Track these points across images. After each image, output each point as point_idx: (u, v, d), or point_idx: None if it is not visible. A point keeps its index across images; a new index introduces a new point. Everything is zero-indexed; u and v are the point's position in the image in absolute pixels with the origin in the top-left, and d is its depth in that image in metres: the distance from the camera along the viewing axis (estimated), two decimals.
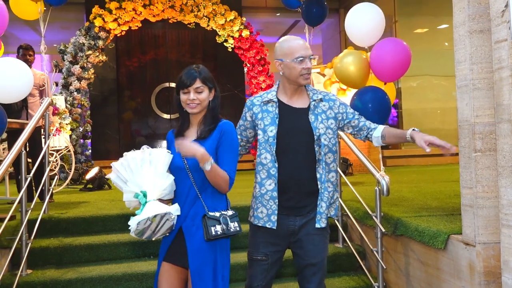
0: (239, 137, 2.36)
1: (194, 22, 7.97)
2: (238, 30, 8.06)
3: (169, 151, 2.12)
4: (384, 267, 3.02)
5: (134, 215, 2.00)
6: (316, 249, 2.23)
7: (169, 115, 9.76)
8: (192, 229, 2.05)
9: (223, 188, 2.08)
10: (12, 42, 9.00)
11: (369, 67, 3.90)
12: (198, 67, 2.13)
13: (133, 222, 1.96)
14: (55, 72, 7.07)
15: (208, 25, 7.99)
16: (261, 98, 2.32)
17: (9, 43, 8.70)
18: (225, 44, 8.28)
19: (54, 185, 4.53)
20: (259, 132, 2.25)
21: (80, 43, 7.24)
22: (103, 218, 3.84)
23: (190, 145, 1.97)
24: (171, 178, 2.06)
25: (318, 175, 2.22)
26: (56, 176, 5.18)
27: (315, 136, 2.21)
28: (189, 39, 9.47)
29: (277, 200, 2.20)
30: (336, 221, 3.63)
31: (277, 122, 2.23)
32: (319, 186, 2.22)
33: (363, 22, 3.98)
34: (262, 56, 8.29)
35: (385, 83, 3.96)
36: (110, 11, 7.38)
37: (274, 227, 2.20)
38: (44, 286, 3.11)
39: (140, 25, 7.74)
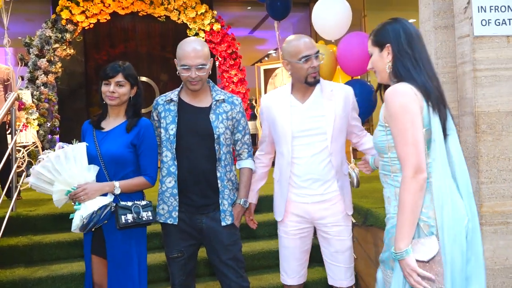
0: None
1: (164, 15, 7.87)
2: (209, 24, 8.01)
3: (86, 143, 2.19)
4: (355, 257, 3.10)
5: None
6: (226, 246, 2.29)
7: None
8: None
9: (144, 189, 2.27)
10: None
11: (336, 61, 3.95)
12: (123, 63, 2.24)
13: (77, 218, 2.05)
14: (21, 65, 6.85)
15: (178, 18, 7.91)
16: (165, 97, 2.36)
17: None
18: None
19: (22, 182, 4.41)
20: (162, 130, 2.30)
21: (46, 36, 7.04)
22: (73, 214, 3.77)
23: (94, 187, 2.09)
24: (96, 168, 2.14)
25: (218, 174, 2.28)
26: (24, 173, 5.04)
27: (215, 135, 2.26)
28: (159, 32, 9.33)
29: (177, 197, 2.26)
30: None
31: (176, 121, 2.27)
32: (219, 185, 2.28)
33: (330, 16, 4.03)
34: (234, 50, 8.27)
35: (352, 77, 4.02)
36: (77, 3, 7.19)
37: (176, 223, 2.26)
38: (14, 285, 3.05)
39: (109, 17, 7.58)
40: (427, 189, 1.61)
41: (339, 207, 2.31)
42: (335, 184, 2.30)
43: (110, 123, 2.27)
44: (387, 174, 1.75)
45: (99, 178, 2.15)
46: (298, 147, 2.29)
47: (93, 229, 2.13)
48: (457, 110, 2.37)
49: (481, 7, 2.13)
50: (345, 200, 2.32)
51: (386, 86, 1.80)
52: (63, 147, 2.11)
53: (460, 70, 2.22)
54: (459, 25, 2.21)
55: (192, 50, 2.20)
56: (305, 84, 2.28)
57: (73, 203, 2.10)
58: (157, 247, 3.49)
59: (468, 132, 2.17)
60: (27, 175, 5.94)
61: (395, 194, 1.70)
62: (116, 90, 2.19)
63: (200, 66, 2.21)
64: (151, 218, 2.19)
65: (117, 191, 2.14)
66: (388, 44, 1.73)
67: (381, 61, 1.76)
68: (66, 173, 2.06)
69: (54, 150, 2.10)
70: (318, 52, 2.26)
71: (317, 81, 2.29)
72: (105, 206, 2.07)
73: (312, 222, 2.35)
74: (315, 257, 2.77)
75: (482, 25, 2.12)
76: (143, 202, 2.20)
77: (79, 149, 2.11)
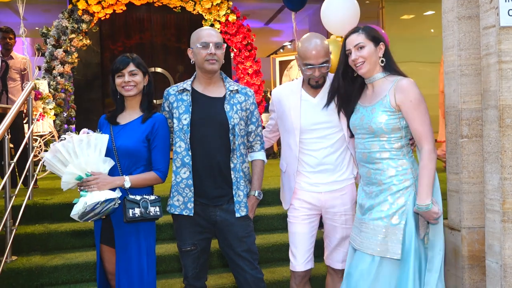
0: None
1: (180, 5, 7.84)
2: (224, 15, 7.96)
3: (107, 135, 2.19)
4: None
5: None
6: (240, 238, 2.27)
7: (155, 100, 9.66)
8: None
9: (154, 184, 2.27)
10: None
11: None
12: (131, 55, 2.27)
13: (80, 204, 2.03)
14: (38, 56, 6.91)
15: (194, 9, 7.88)
16: (177, 87, 2.35)
17: None
18: None
19: (39, 171, 4.46)
20: (174, 121, 2.29)
21: (63, 27, 7.08)
22: None
23: (106, 180, 2.09)
24: (112, 162, 2.15)
25: (232, 165, 2.26)
26: (40, 162, 5.09)
27: (230, 126, 2.24)
28: (174, 23, 9.32)
29: (192, 188, 2.24)
30: None
31: (190, 110, 2.25)
32: (233, 176, 2.26)
33: (337, 13, 4.21)
34: (249, 41, 8.21)
35: None
36: None
37: (191, 214, 2.24)
38: (30, 272, 3.08)
39: (125, 8, 7.58)
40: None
41: (349, 196, 2.43)
42: (349, 171, 2.42)
43: (126, 117, 2.28)
44: (387, 150, 2.10)
45: (112, 171, 2.16)
46: (311, 140, 2.37)
47: (89, 221, 2.11)
48: (480, 103, 2.30)
49: None
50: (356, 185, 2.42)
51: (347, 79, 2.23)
52: (88, 133, 2.11)
53: (484, 62, 2.14)
54: (484, 15, 2.13)
55: (209, 31, 2.29)
56: (309, 85, 2.39)
57: (79, 190, 2.09)
58: (170, 237, 3.50)
59: (492, 126, 2.11)
60: (43, 164, 5.99)
61: (399, 165, 2.10)
62: (131, 79, 2.22)
63: (217, 44, 2.25)
64: (158, 213, 2.18)
65: (127, 185, 2.14)
66: (382, 42, 2.13)
67: (375, 55, 2.12)
68: (83, 158, 2.06)
69: (78, 134, 2.11)
70: (324, 63, 2.30)
71: (320, 85, 2.37)
72: (110, 200, 2.06)
73: (320, 210, 2.44)
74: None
75: (509, 15, 2.04)
76: (152, 197, 2.20)
77: (102, 139, 2.12)
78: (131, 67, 2.23)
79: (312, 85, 2.36)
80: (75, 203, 2.06)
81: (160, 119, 2.26)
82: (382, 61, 2.14)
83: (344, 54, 2.21)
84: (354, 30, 2.20)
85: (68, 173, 2.05)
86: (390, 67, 2.15)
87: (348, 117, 2.28)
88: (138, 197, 2.14)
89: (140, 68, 2.25)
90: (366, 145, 2.16)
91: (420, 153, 2.08)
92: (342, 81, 2.25)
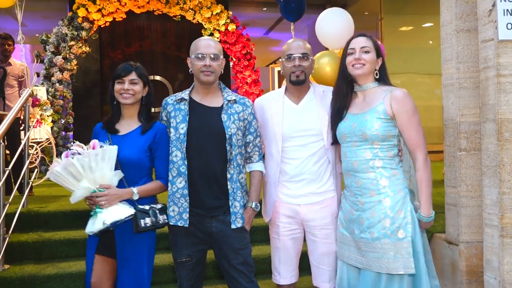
0: None
1: (180, 14, 7.86)
2: (224, 24, 7.98)
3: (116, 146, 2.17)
4: None
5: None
6: (236, 250, 2.24)
7: (152, 109, 9.64)
8: None
9: (159, 192, 2.27)
10: None
11: None
12: (135, 63, 2.26)
13: (99, 223, 2.02)
14: (37, 62, 6.90)
15: (194, 18, 7.90)
16: (175, 97, 2.34)
17: None
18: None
19: (34, 178, 4.42)
20: (171, 130, 2.27)
21: (62, 34, 7.08)
22: (84, 212, 3.73)
23: (114, 194, 2.07)
24: (121, 174, 2.13)
25: (228, 175, 2.24)
26: (36, 169, 5.07)
27: (226, 135, 2.22)
28: (174, 32, 9.34)
29: (188, 198, 2.22)
30: None
31: (187, 120, 2.23)
32: (229, 186, 2.24)
33: (331, 28, 4.23)
34: (248, 51, 8.23)
35: None
36: (94, 1, 7.23)
37: (186, 225, 2.21)
38: (22, 282, 3.04)
39: (125, 16, 7.60)
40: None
41: (329, 210, 2.33)
42: (330, 183, 2.34)
43: (125, 127, 2.27)
44: (381, 159, 2.10)
45: (118, 183, 2.14)
46: (291, 148, 2.33)
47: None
48: (478, 117, 2.29)
49: (507, 10, 2.05)
50: (337, 199, 2.35)
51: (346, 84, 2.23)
52: (101, 146, 2.08)
53: (483, 75, 2.14)
54: (483, 28, 2.13)
55: (207, 42, 2.27)
56: (290, 83, 2.35)
57: (87, 202, 2.07)
58: (165, 247, 3.45)
59: (490, 139, 2.09)
60: (40, 171, 5.95)
61: (392, 175, 2.09)
62: (130, 87, 2.21)
63: (214, 56, 2.23)
64: (166, 221, 2.19)
65: (135, 197, 2.13)
66: (381, 57, 2.19)
67: (374, 64, 2.17)
68: (98, 173, 2.05)
69: (86, 146, 2.09)
70: (304, 55, 2.32)
71: (300, 81, 2.33)
72: (129, 216, 2.06)
73: (302, 224, 2.37)
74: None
75: (508, 28, 2.04)
76: (159, 205, 2.20)
77: (113, 151, 2.10)
78: (133, 75, 2.22)
79: (293, 80, 2.32)
80: (91, 219, 2.04)
81: (161, 128, 2.25)
82: (376, 74, 2.18)
83: (345, 55, 2.20)
84: (364, 34, 2.22)
85: (83, 188, 2.03)
86: (383, 80, 2.20)
87: (334, 125, 2.24)
88: (147, 207, 2.14)
89: (141, 78, 2.25)
90: (358, 153, 2.13)
91: (415, 162, 2.10)
92: (345, 82, 2.23)
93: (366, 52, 2.14)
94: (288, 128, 2.32)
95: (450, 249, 2.45)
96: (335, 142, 2.26)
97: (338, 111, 2.22)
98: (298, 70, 2.31)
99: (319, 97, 2.36)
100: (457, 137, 2.37)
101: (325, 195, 2.33)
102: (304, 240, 2.42)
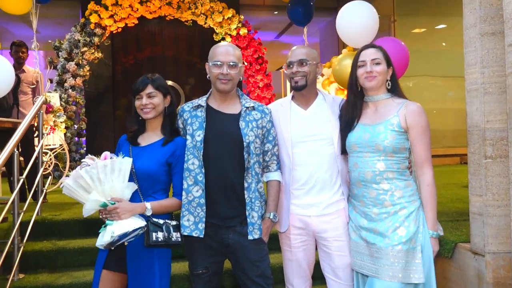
0: None
1: (191, 19, 7.85)
2: (236, 28, 7.96)
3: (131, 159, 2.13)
4: None
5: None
6: (253, 262, 2.18)
7: None
8: None
9: (175, 210, 2.20)
10: (6, 37, 8.84)
11: None
12: (153, 75, 2.21)
13: (108, 235, 1.96)
14: (50, 68, 6.93)
15: (205, 23, 7.88)
16: (192, 104, 2.28)
17: (3, 38, 8.54)
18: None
19: (48, 185, 4.41)
20: (188, 137, 2.21)
21: (75, 40, 7.11)
22: (98, 220, 3.66)
23: (126, 208, 2.02)
24: (134, 187, 2.08)
25: (246, 184, 2.17)
26: (50, 176, 5.06)
27: (244, 143, 2.15)
28: (186, 37, 9.34)
29: (204, 207, 2.15)
30: None
31: (204, 127, 2.17)
32: (246, 195, 2.17)
33: (355, 22, 3.76)
34: (260, 55, 8.19)
35: None
36: (106, 8, 7.25)
37: (202, 235, 2.14)
38: None
39: (137, 22, 7.62)
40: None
41: (341, 221, 2.26)
42: (340, 192, 2.27)
43: (147, 139, 2.23)
44: (394, 171, 2.10)
45: (133, 196, 2.10)
46: (302, 153, 2.27)
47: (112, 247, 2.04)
48: (505, 123, 2.21)
49: None
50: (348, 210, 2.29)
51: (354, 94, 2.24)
52: (112, 158, 2.04)
53: (509, 80, 2.06)
54: (510, 31, 2.05)
55: (225, 49, 2.22)
56: (293, 89, 2.35)
57: (101, 216, 2.03)
58: (181, 255, 3.41)
59: None
60: (54, 177, 5.96)
61: (406, 186, 2.10)
62: (148, 101, 2.16)
63: (232, 63, 2.19)
64: (179, 240, 2.11)
65: (149, 213, 2.07)
66: (391, 67, 2.20)
67: (386, 75, 2.18)
68: (107, 185, 2.01)
69: (97, 158, 2.05)
70: (303, 61, 2.29)
71: (300, 87, 2.30)
72: (139, 228, 2.00)
73: (313, 235, 2.32)
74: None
75: None
76: (173, 222, 2.13)
77: (126, 163, 2.05)
78: (149, 89, 2.17)
79: (293, 86, 2.33)
80: (100, 232, 2.01)
81: (181, 144, 2.19)
82: (388, 84, 2.19)
83: (355, 66, 2.21)
84: (373, 46, 2.22)
85: (92, 200, 1.99)
86: (395, 89, 2.20)
87: (343, 135, 2.23)
88: (161, 221, 2.08)
89: (159, 90, 2.19)
90: (371, 163, 2.10)
91: (422, 177, 2.10)
92: (355, 92, 2.25)
93: (377, 64, 2.15)
94: (296, 133, 2.28)
95: (476, 260, 2.36)
96: (343, 152, 2.25)
97: (348, 122, 2.21)
98: (296, 76, 2.30)
99: (330, 104, 2.34)
100: (483, 144, 2.29)
101: (336, 206, 2.26)
102: (316, 249, 2.37)
